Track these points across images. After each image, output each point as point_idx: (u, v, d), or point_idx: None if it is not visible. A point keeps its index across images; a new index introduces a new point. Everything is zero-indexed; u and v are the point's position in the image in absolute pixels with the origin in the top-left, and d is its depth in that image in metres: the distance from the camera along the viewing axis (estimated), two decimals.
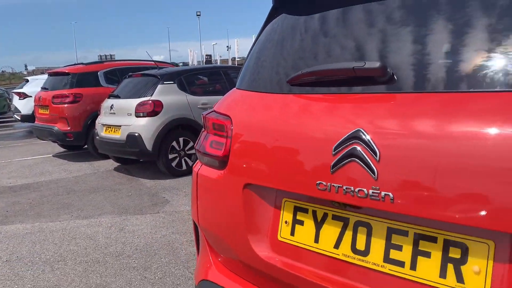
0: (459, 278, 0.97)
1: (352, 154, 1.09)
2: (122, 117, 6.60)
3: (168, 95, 6.58)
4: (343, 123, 1.15)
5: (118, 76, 8.41)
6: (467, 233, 0.97)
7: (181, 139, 6.64)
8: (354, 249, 1.15)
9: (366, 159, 1.06)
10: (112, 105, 6.84)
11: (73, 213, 5.10)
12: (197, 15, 67.69)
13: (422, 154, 0.99)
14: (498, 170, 0.90)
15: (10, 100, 14.23)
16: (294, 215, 1.31)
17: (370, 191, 1.05)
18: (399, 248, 1.07)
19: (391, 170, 1.02)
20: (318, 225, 1.24)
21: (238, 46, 56.31)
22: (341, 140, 1.12)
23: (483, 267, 0.94)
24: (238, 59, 53.01)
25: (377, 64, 1.11)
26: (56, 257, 3.80)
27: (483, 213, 0.91)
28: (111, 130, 6.77)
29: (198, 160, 1.73)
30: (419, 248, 1.03)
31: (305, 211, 1.28)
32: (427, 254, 1.02)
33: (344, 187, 1.10)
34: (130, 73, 7.46)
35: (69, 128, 7.94)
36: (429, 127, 1.01)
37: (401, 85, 1.11)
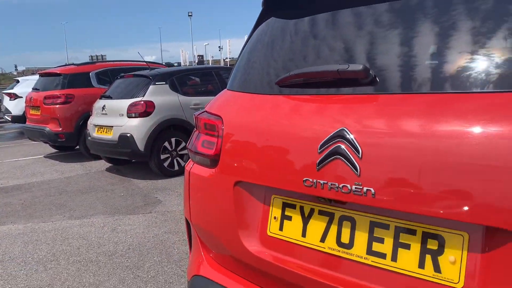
0: (437, 268, 1.03)
1: (337, 152, 1.15)
2: (114, 118, 6.61)
3: (160, 96, 6.61)
4: (328, 122, 1.21)
5: (110, 76, 8.42)
6: (443, 226, 1.03)
7: (173, 140, 6.67)
8: (339, 243, 1.21)
9: (350, 157, 1.12)
10: (104, 105, 6.86)
11: (65, 213, 5.11)
12: (189, 15, 67.59)
13: (401, 152, 1.05)
14: (472, 167, 0.96)
15: (1, 101, 14.14)
16: (283, 211, 1.36)
17: (353, 187, 1.11)
18: (381, 240, 1.13)
19: (373, 167, 1.08)
20: (305, 220, 1.30)
21: (230, 47, 56.32)
22: (326, 138, 1.18)
23: (458, 257, 1.01)
24: (230, 59, 53.05)
25: (360, 67, 1.17)
26: (49, 257, 3.82)
27: (458, 207, 0.97)
28: (103, 131, 6.78)
29: (190, 159, 1.78)
30: (399, 241, 1.10)
31: (293, 207, 1.34)
32: (407, 246, 1.08)
33: (329, 183, 1.16)
34: (122, 74, 7.47)
35: (60, 128, 7.93)
36: (408, 127, 1.07)
37: (383, 86, 1.17)
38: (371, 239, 1.14)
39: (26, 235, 4.42)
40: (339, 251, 1.20)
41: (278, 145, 1.35)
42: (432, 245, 1.05)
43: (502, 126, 0.94)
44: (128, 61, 9.63)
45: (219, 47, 65.48)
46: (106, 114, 6.80)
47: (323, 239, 1.24)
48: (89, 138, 7.10)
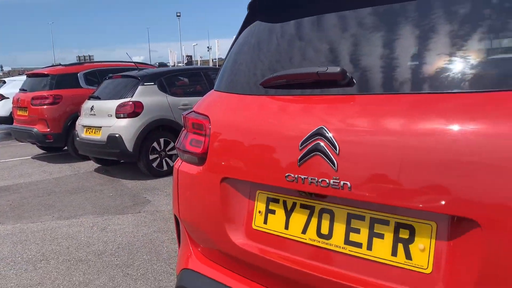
0: (408, 256, 1.12)
1: (316, 149, 1.23)
2: (103, 118, 6.63)
3: (149, 96, 6.65)
4: (309, 121, 1.29)
5: (98, 77, 8.43)
6: (414, 216, 1.11)
7: (161, 140, 6.71)
8: (319, 234, 1.29)
9: (328, 153, 1.20)
10: (93, 106, 6.87)
11: (54, 214, 5.13)
12: (177, 16, 67.43)
13: (375, 149, 1.13)
14: (439, 162, 1.04)
15: None
16: (267, 205, 1.44)
17: (331, 181, 1.19)
18: (357, 231, 1.21)
19: (349, 163, 1.16)
20: (288, 214, 1.37)
21: (218, 47, 56.25)
22: (306, 136, 1.26)
23: (427, 245, 1.09)
24: (219, 60, 53.00)
25: (337, 69, 1.25)
26: (38, 257, 3.85)
27: (427, 198, 1.06)
28: (92, 131, 6.80)
29: (178, 158, 1.85)
30: (374, 231, 1.18)
31: (276, 201, 1.41)
32: (381, 236, 1.17)
33: (309, 178, 1.23)
34: (111, 75, 7.49)
35: (48, 129, 7.91)
36: (380, 125, 1.15)
37: (359, 87, 1.25)
38: (348, 230, 1.22)
39: (15, 236, 4.43)
40: (319, 241, 1.28)
41: (263, 143, 1.42)
42: (404, 234, 1.13)
43: (463, 124, 1.03)
44: (116, 62, 9.63)
45: (208, 47, 65.42)
46: (94, 114, 6.81)
47: (304, 231, 1.32)
48: (77, 138, 7.11)
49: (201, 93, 7.09)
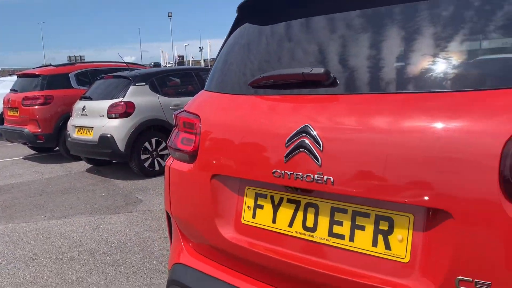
0: (387, 246, 1.19)
1: (301, 146, 1.29)
2: (94, 119, 6.66)
3: (140, 97, 6.68)
4: (295, 120, 1.35)
5: (89, 77, 8.43)
6: (393, 209, 1.18)
7: (153, 140, 6.75)
8: (304, 227, 1.35)
9: (312, 150, 1.26)
10: (84, 106, 6.89)
11: (46, 213, 5.14)
12: (169, 16, 67.28)
13: (356, 145, 1.20)
14: (416, 158, 1.11)
15: None
16: (255, 200, 1.50)
17: (316, 176, 1.25)
18: (340, 223, 1.27)
19: (332, 158, 1.23)
20: (275, 208, 1.44)
21: (210, 47, 56.23)
22: (292, 134, 1.32)
23: (405, 235, 1.16)
24: (211, 60, 53.01)
25: (321, 70, 1.32)
26: (31, 256, 3.87)
27: (405, 192, 1.12)
28: (83, 132, 6.81)
29: (170, 156, 1.90)
30: (356, 223, 1.24)
31: (264, 196, 1.48)
32: (362, 228, 1.23)
33: (295, 174, 1.30)
34: (102, 75, 7.51)
35: (40, 130, 7.91)
36: (361, 123, 1.22)
37: (342, 88, 1.32)
38: (332, 222, 1.29)
39: (7, 235, 4.45)
40: (305, 234, 1.34)
41: (251, 141, 1.48)
42: (384, 226, 1.20)
43: (439, 123, 1.10)
44: (107, 62, 9.64)
45: (200, 47, 65.35)
46: (86, 115, 6.83)
47: (290, 224, 1.38)
48: (69, 139, 7.11)
49: (192, 93, 7.08)
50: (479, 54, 1.25)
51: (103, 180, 6.69)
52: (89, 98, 7.05)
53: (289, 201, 1.41)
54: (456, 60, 1.18)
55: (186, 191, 1.73)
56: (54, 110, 7.97)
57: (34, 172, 7.50)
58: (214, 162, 1.59)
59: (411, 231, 1.15)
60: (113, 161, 7.50)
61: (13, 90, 8.77)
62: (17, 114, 8.20)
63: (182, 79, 7.86)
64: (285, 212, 1.41)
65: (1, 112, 9.54)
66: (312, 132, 1.28)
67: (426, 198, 1.09)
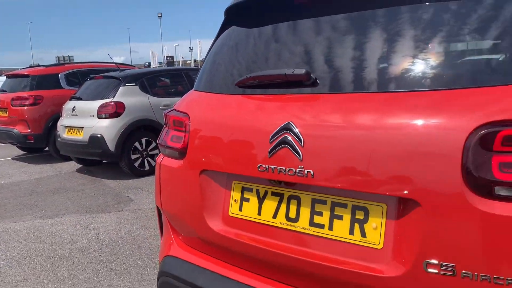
0: (363, 234, 1.28)
1: (284, 142, 1.38)
2: (84, 119, 6.69)
3: (130, 97, 6.73)
4: (278, 117, 1.44)
5: (79, 78, 8.46)
6: (368, 199, 1.28)
7: (143, 140, 6.80)
8: (287, 218, 1.44)
9: (294, 145, 1.35)
10: (74, 107, 6.92)
11: (36, 213, 5.18)
12: (158, 16, 67.06)
13: (334, 141, 1.30)
14: (387, 152, 1.21)
15: None
16: (242, 194, 1.58)
17: (297, 170, 1.34)
18: (320, 214, 1.37)
19: (312, 153, 1.32)
20: (261, 201, 1.52)
21: (200, 47, 56.12)
22: (276, 130, 1.41)
23: (379, 224, 1.25)
24: (201, 60, 52.96)
25: (303, 71, 1.41)
26: (22, 254, 3.91)
27: (379, 183, 1.22)
28: (73, 132, 6.84)
29: (160, 153, 1.98)
30: (334, 213, 1.34)
31: (250, 190, 1.56)
32: (340, 217, 1.33)
33: (278, 168, 1.39)
34: (92, 75, 7.55)
35: (29, 130, 7.91)
36: (338, 120, 1.32)
37: (322, 87, 1.41)
38: (313, 213, 1.38)
39: None
40: (288, 225, 1.44)
41: (237, 138, 1.57)
42: (360, 215, 1.29)
43: (403, 119, 1.20)
44: (97, 63, 9.66)
45: (190, 48, 65.23)
46: (76, 115, 6.86)
47: (275, 216, 1.47)
48: (59, 139, 7.14)
49: (182, 94, 7.11)
50: (454, 56, 1.34)
51: (93, 180, 6.72)
52: (79, 99, 7.08)
53: (273, 194, 1.49)
54: (430, 61, 1.28)
55: (176, 186, 1.81)
56: (43, 110, 7.99)
57: (24, 173, 7.51)
58: (202, 158, 1.67)
59: (384, 220, 1.25)
60: (103, 161, 7.53)
61: (2, 90, 8.75)
62: (6, 115, 8.19)
63: (171, 80, 7.92)
64: (269, 205, 1.50)
65: None
66: (294, 129, 1.37)
67: (397, 189, 1.19)
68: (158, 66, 44.49)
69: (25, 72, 8.53)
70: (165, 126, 1.98)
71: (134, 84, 6.88)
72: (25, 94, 8.00)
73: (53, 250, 3.97)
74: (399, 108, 1.23)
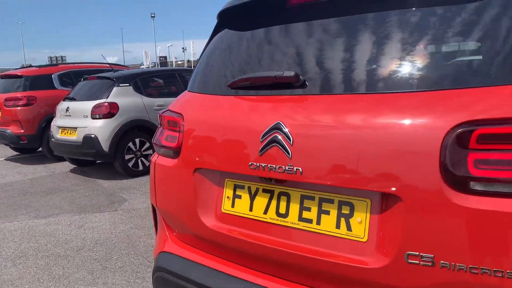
0: (349, 228, 1.35)
1: (274, 141, 1.45)
2: (78, 119, 6.72)
3: (124, 97, 6.77)
4: (269, 117, 1.51)
5: (72, 78, 8.48)
6: (353, 195, 1.35)
7: (137, 140, 6.84)
8: (277, 213, 1.51)
9: (284, 144, 1.42)
10: (68, 107, 6.95)
11: (30, 213, 5.20)
12: (152, 16, 66.94)
13: (321, 139, 1.36)
14: (372, 150, 1.28)
15: None
16: (234, 191, 1.65)
17: (287, 167, 1.41)
18: (308, 209, 1.43)
19: (300, 151, 1.39)
20: (252, 197, 1.59)
21: (194, 48, 56.09)
22: (266, 130, 1.48)
23: (364, 218, 1.32)
24: (194, 61, 52.91)
25: (292, 73, 1.48)
26: (17, 253, 3.95)
27: (363, 180, 1.29)
28: (67, 132, 6.86)
29: (155, 152, 2.04)
30: (322, 208, 1.41)
31: (242, 187, 1.63)
32: (327, 212, 1.39)
33: (269, 165, 1.45)
34: (86, 76, 7.57)
35: (22, 131, 7.92)
36: (325, 120, 1.38)
37: (311, 89, 1.48)
38: (302, 208, 1.45)
39: None
40: (278, 220, 1.50)
41: (230, 137, 1.64)
42: (345, 210, 1.36)
43: (387, 118, 1.27)
44: (91, 63, 9.68)
45: (183, 48, 65.19)
46: (70, 115, 6.89)
47: (265, 212, 1.54)
48: (52, 139, 7.16)
49: (175, 94, 7.17)
50: (437, 59, 1.40)
51: (87, 180, 6.75)
52: (73, 99, 7.11)
53: (264, 190, 1.56)
54: (413, 64, 1.35)
55: (171, 185, 1.87)
56: (37, 111, 8.00)
57: (17, 173, 7.51)
58: (196, 157, 1.74)
59: (368, 214, 1.32)
60: (97, 161, 7.56)
61: None
62: (0, 115, 8.19)
63: (165, 80, 7.96)
64: (260, 201, 1.56)
65: None
66: (283, 129, 1.44)
67: (380, 185, 1.26)
68: (147, 67, 44.43)
69: (19, 72, 8.54)
70: (159, 126, 2.03)
71: (128, 84, 6.92)
72: (19, 94, 8.01)
73: (48, 250, 4.00)
74: (382, 108, 1.30)
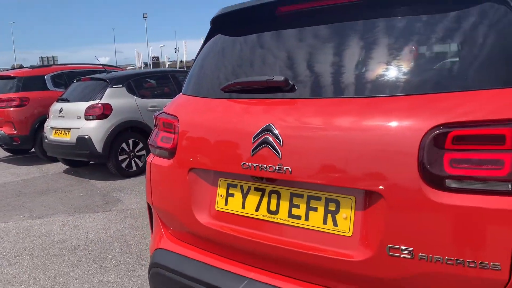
0: (335, 223, 1.44)
1: (265, 142, 1.53)
2: (72, 120, 6.76)
3: (117, 98, 6.82)
4: (260, 120, 1.59)
5: (65, 80, 8.51)
6: (339, 192, 1.44)
7: (130, 141, 6.89)
8: (268, 210, 1.59)
9: (274, 145, 1.50)
10: (61, 108, 6.98)
11: (25, 213, 5.24)
12: (144, 17, 66.74)
13: (308, 140, 1.45)
14: (356, 150, 1.36)
15: None
16: (227, 190, 1.73)
17: (277, 167, 1.49)
18: (298, 206, 1.52)
19: (290, 152, 1.48)
20: (244, 195, 1.67)
21: (186, 48, 56.00)
22: (258, 132, 1.56)
23: (349, 214, 1.41)
24: (187, 62, 52.85)
25: (282, 78, 1.56)
26: (13, 253, 3.99)
27: (348, 178, 1.38)
28: (61, 133, 6.90)
29: (151, 153, 2.12)
30: (310, 205, 1.49)
31: (235, 186, 1.71)
32: (315, 209, 1.48)
33: (260, 165, 1.54)
34: (79, 77, 7.61)
35: (15, 132, 7.94)
36: (314, 122, 1.47)
37: (300, 93, 1.57)
38: (291, 206, 1.54)
39: None
40: (269, 217, 1.59)
41: (223, 139, 1.72)
42: (332, 207, 1.45)
43: (372, 121, 1.36)
44: (84, 64, 9.70)
45: (175, 48, 65.07)
46: (63, 116, 6.92)
47: (257, 209, 1.62)
48: (46, 140, 7.19)
49: (168, 95, 7.33)
50: (421, 64, 1.48)
51: (81, 181, 6.79)
52: (66, 100, 7.15)
53: (256, 189, 1.64)
54: (396, 70, 1.43)
55: (166, 184, 1.95)
56: (30, 112, 8.02)
57: (10, 174, 7.53)
58: (191, 157, 1.82)
59: (353, 211, 1.41)
60: (90, 162, 7.59)
61: None
62: None
63: (158, 81, 8.02)
64: (252, 199, 1.65)
65: None
66: (274, 130, 1.52)
67: (364, 183, 1.35)
68: (139, 67, 44.31)
69: (11, 73, 8.55)
70: (155, 127, 2.11)
71: (121, 86, 6.97)
72: (11, 95, 8.02)
73: (43, 249, 4.05)
74: (366, 111, 1.39)
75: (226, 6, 2.01)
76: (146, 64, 55.29)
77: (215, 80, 1.91)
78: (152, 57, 60.45)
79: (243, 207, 1.67)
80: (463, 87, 1.31)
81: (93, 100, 6.75)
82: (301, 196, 1.52)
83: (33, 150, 8.48)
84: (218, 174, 1.76)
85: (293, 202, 1.54)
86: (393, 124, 1.33)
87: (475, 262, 1.20)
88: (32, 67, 9.28)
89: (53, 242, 4.22)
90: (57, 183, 6.70)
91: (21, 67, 12.66)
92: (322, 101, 1.51)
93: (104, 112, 6.60)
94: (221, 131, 1.73)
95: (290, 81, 1.57)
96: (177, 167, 1.87)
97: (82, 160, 7.10)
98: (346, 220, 1.42)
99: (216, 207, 1.76)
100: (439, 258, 1.24)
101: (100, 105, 6.62)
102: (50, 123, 7.18)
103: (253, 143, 1.57)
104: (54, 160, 7.94)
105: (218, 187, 1.76)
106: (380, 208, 1.34)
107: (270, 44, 1.79)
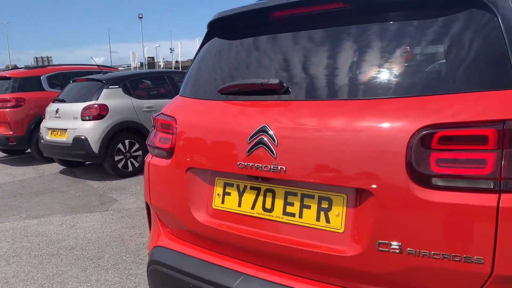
0: (327, 220, 1.50)
1: (260, 142, 1.59)
2: (68, 121, 6.79)
3: (114, 99, 6.86)
4: (256, 121, 1.65)
5: (61, 80, 8.54)
6: (331, 191, 1.50)
7: (126, 141, 6.93)
8: (264, 208, 1.65)
9: (269, 145, 1.56)
10: (58, 109, 7.01)
11: (21, 214, 5.27)
12: (139, 17, 66.66)
13: (302, 140, 1.51)
14: (348, 150, 1.43)
15: None
16: (224, 189, 1.79)
17: (272, 166, 1.55)
18: (292, 204, 1.58)
19: (284, 152, 1.54)
20: (241, 194, 1.73)
21: (181, 49, 56.00)
22: (253, 132, 1.62)
23: (341, 211, 1.48)
24: (182, 62, 52.84)
25: (276, 81, 1.62)
26: (11, 253, 4.03)
27: (340, 177, 1.44)
28: (57, 134, 6.93)
29: (149, 153, 2.17)
30: (304, 203, 1.55)
31: (231, 185, 1.77)
32: (308, 207, 1.54)
33: (256, 165, 1.60)
34: (75, 78, 7.65)
35: (11, 132, 7.96)
36: (306, 123, 1.53)
37: (294, 95, 1.63)
38: (286, 204, 1.60)
39: None
40: (264, 214, 1.65)
41: (220, 139, 1.78)
42: (325, 204, 1.51)
43: (364, 122, 1.42)
44: (80, 65, 9.73)
45: (171, 49, 64.99)
46: (59, 117, 6.95)
47: (253, 207, 1.68)
48: (42, 141, 7.21)
49: (165, 96, 7.38)
50: (411, 68, 1.54)
51: (77, 181, 6.83)
52: (63, 101, 7.18)
53: (252, 188, 1.70)
54: (387, 73, 1.50)
55: (164, 183, 2.01)
56: (26, 112, 8.04)
57: (6, 175, 7.55)
58: (188, 157, 1.87)
59: (345, 208, 1.47)
60: (86, 163, 7.62)
61: None
62: None
63: (154, 82, 8.06)
64: (248, 197, 1.71)
65: None
66: (269, 131, 1.58)
67: (355, 182, 1.41)
68: (134, 68, 44.22)
69: (7, 74, 8.56)
70: (153, 128, 2.16)
71: (117, 86, 7.01)
72: (7, 96, 8.04)
73: (40, 249, 4.09)
74: (358, 113, 1.46)
75: (222, 6, 2.07)
76: (141, 64, 55.20)
77: (212, 82, 1.97)
78: (148, 57, 60.34)
79: (239, 205, 1.73)
80: (451, 89, 1.38)
81: (89, 100, 6.78)
82: (295, 194, 1.58)
83: (29, 150, 8.50)
84: (215, 173, 1.82)
85: (288, 200, 1.60)
86: (383, 125, 1.39)
87: (459, 256, 1.26)
88: (27, 67, 9.31)
89: (50, 242, 4.26)
90: (53, 184, 6.73)
91: (15, 67, 12.66)
92: (316, 103, 1.57)
93: (101, 112, 6.64)
94: (218, 132, 1.79)
95: (284, 84, 1.63)
96: (175, 167, 1.92)
97: (79, 160, 7.13)
98: (338, 217, 1.48)
99: (213, 205, 1.81)
100: (426, 252, 1.30)
101: (96, 105, 6.66)
102: (46, 123, 7.20)
103: (249, 143, 1.62)
104: (50, 160, 7.96)
105: (215, 186, 1.82)
106: (370, 205, 1.40)
107: (266, 48, 1.85)
